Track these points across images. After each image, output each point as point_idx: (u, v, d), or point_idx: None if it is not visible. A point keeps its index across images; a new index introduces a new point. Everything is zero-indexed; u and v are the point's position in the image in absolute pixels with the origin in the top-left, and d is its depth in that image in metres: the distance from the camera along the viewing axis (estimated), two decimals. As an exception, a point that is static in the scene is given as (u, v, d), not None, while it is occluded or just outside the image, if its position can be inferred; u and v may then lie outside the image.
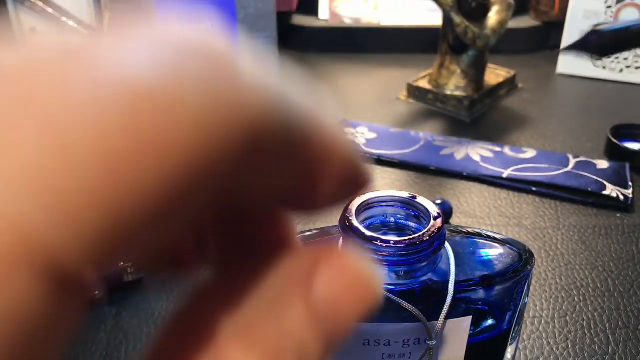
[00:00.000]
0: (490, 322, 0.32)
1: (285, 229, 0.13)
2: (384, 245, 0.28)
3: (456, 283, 0.29)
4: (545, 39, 0.92)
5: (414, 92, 0.73)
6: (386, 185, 0.57)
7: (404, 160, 0.60)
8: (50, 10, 0.77)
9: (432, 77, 0.73)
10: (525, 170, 0.58)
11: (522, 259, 0.31)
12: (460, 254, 0.31)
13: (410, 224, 0.31)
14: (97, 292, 0.11)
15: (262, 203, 0.12)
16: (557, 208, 0.54)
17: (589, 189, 0.54)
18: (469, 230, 0.34)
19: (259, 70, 0.09)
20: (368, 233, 0.28)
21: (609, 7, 0.80)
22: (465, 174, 0.58)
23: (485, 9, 0.69)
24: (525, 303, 0.33)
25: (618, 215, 0.52)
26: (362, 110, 0.73)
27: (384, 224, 0.32)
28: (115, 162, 0.07)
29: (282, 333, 0.10)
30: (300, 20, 0.92)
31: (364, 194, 0.31)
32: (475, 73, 0.71)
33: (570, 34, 0.83)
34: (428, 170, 0.59)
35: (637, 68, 0.80)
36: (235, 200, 0.10)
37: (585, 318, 0.42)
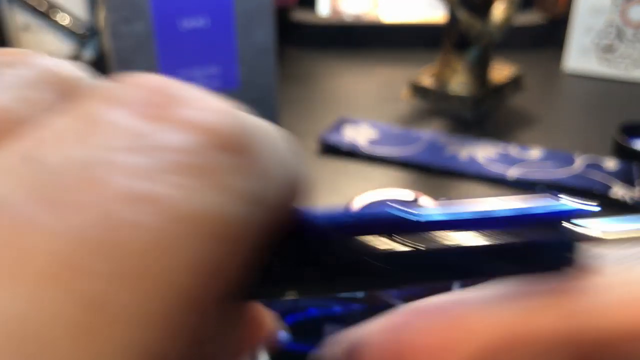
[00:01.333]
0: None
1: None
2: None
3: (459, 286, 0.28)
4: (550, 36, 0.90)
5: (417, 90, 0.72)
6: (388, 185, 0.56)
7: (406, 159, 0.59)
8: (44, 7, 0.76)
9: (435, 74, 0.72)
10: (531, 170, 0.57)
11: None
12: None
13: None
14: None
15: None
16: (564, 209, 0.52)
17: (594, 192, 0.53)
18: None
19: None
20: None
21: (616, 5, 0.79)
22: (468, 173, 0.57)
23: (489, 5, 0.67)
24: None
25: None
26: (363, 109, 0.71)
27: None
28: None
29: None
30: (300, 16, 0.91)
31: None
32: (479, 70, 0.70)
33: (577, 30, 0.81)
34: (431, 170, 0.58)
35: (644, 65, 0.79)
36: None
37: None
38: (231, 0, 0.57)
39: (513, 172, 0.56)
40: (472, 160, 0.59)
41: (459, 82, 0.70)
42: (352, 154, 0.61)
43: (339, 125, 0.65)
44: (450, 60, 0.70)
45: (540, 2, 0.91)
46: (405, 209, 0.13)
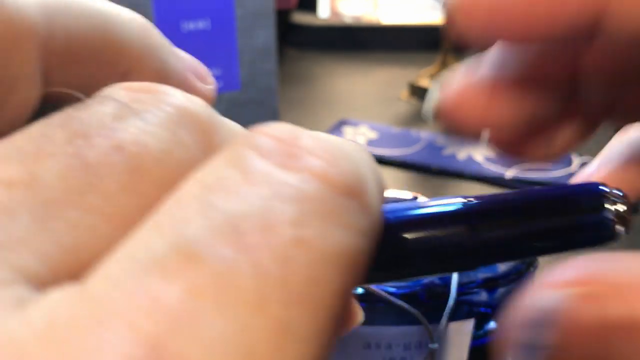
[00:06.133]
0: (493, 325, 0.31)
1: None
2: (385, 246, 0.27)
3: (459, 285, 0.29)
4: (547, 38, 0.91)
5: (416, 91, 0.73)
6: (387, 186, 0.57)
7: (405, 160, 0.60)
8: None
9: (434, 76, 0.73)
10: (529, 171, 0.57)
11: (526, 261, 0.31)
12: (463, 255, 0.30)
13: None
14: None
15: None
16: (561, 208, 0.53)
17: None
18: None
19: None
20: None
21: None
22: (467, 173, 0.58)
23: (487, 7, 0.68)
24: (529, 305, 0.32)
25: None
26: (362, 110, 0.72)
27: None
28: None
29: None
30: (300, 18, 0.91)
31: None
32: (477, 72, 0.70)
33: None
34: (430, 170, 0.59)
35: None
36: None
37: (589, 320, 0.41)
38: (232, 3, 0.58)
39: (511, 172, 0.57)
40: (471, 160, 0.59)
41: (457, 83, 0.70)
42: (351, 154, 0.61)
43: (338, 126, 0.66)
44: (448, 62, 0.71)
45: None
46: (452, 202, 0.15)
